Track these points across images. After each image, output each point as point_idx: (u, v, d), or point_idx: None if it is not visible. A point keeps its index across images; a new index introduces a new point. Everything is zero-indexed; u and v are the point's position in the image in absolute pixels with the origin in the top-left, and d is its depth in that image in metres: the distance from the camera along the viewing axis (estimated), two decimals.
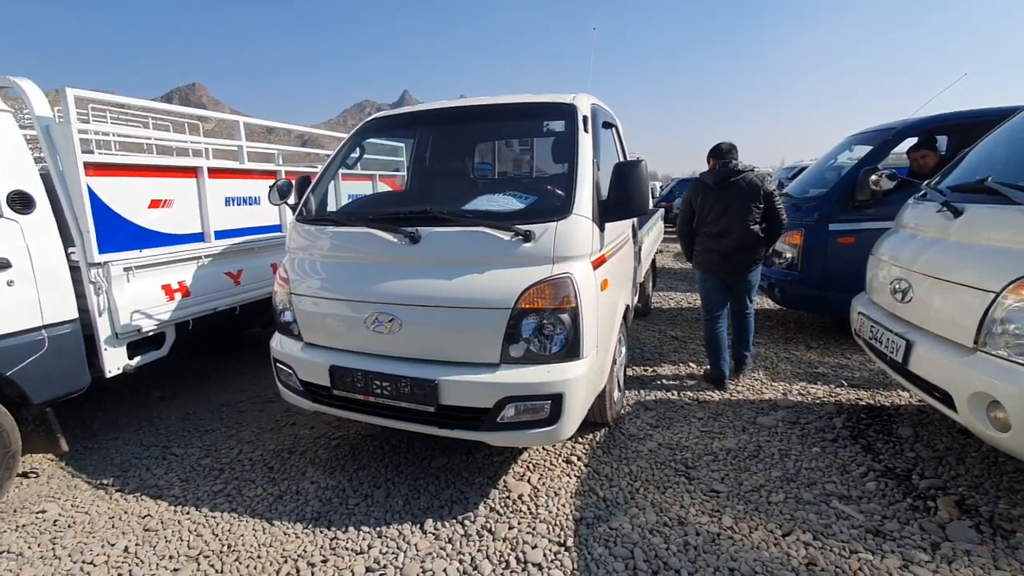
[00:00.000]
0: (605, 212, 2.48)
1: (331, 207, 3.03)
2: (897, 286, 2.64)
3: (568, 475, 2.64)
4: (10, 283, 2.36)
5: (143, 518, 2.37)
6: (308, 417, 3.36)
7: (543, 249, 2.22)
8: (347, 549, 2.15)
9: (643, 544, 2.12)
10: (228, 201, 3.47)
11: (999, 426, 1.95)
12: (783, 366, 4.10)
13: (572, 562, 2.03)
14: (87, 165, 2.61)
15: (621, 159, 3.34)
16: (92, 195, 2.64)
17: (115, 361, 2.83)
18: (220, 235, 3.40)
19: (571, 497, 2.46)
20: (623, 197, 2.39)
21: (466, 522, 2.29)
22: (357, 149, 3.16)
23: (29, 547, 2.19)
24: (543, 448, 2.86)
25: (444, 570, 2.01)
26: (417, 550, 2.13)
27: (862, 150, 4.97)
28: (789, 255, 4.52)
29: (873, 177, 3.45)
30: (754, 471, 2.64)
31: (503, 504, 2.41)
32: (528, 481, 2.59)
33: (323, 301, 2.49)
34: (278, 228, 3.95)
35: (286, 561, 2.09)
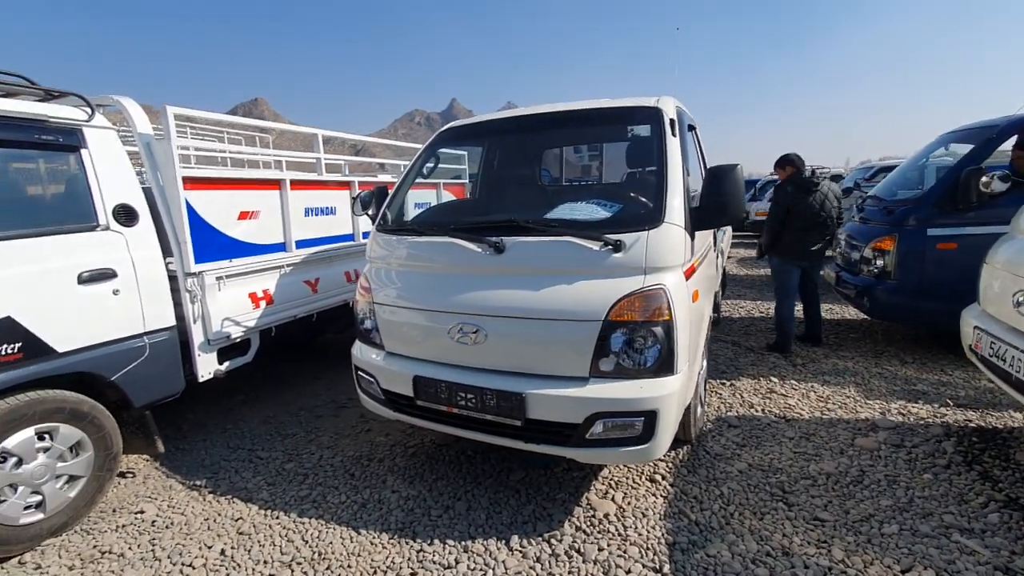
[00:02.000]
0: (697, 219, 2.36)
1: (408, 216, 3.05)
2: (1021, 298, 2.38)
3: (654, 495, 2.52)
4: (116, 292, 2.49)
5: (236, 521, 2.44)
6: (382, 424, 3.39)
7: (634, 259, 2.13)
8: (435, 563, 2.12)
9: (746, 575, 1.98)
10: (307, 212, 3.57)
11: None
12: (876, 382, 3.81)
13: None
14: (185, 179, 2.73)
15: (702, 163, 3.20)
16: (189, 208, 2.76)
17: (207, 366, 2.94)
18: (300, 245, 3.50)
19: (661, 519, 2.34)
20: (718, 203, 2.27)
21: (553, 541, 2.22)
22: (432, 159, 3.18)
23: (130, 548, 2.28)
24: (625, 465, 2.75)
25: None
26: (506, 568, 2.07)
27: (958, 149, 4.59)
28: (880, 262, 4.21)
29: (984, 178, 3.15)
30: (860, 498, 2.43)
31: (589, 523, 2.32)
32: (612, 499, 2.49)
33: (406, 311, 2.49)
34: (351, 238, 4.03)
35: (375, 572, 2.09)
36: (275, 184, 3.35)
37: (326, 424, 3.46)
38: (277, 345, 3.76)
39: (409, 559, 2.15)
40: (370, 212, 2.92)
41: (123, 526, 2.43)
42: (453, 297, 2.34)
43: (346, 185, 3.96)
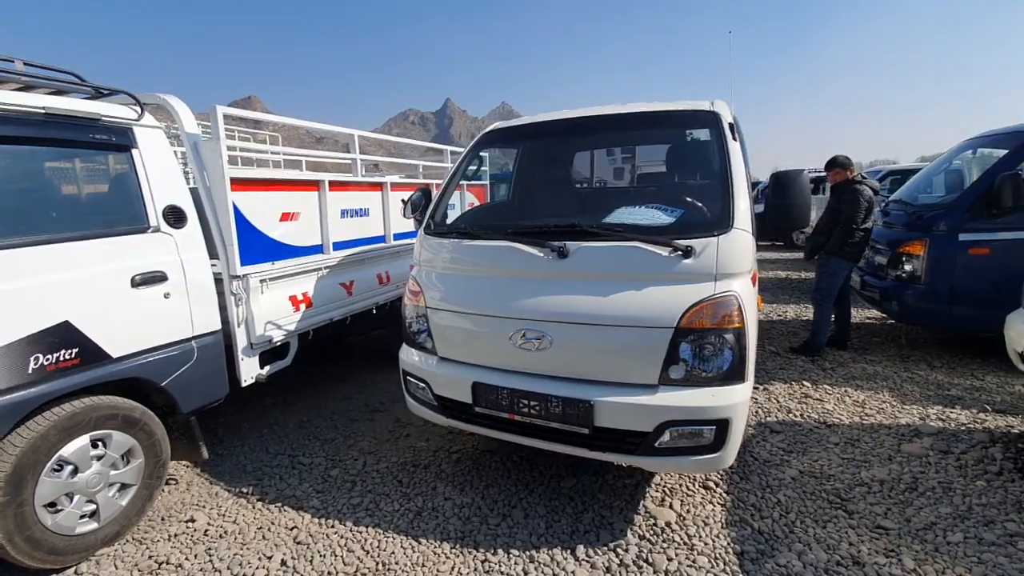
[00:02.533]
0: (763, 225, 2.34)
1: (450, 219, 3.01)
2: None
3: (711, 503, 2.50)
4: (167, 295, 2.44)
5: (290, 530, 2.39)
6: (420, 428, 3.35)
7: (705, 265, 2.11)
8: (502, 573, 2.09)
9: None
10: (343, 213, 3.52)
11: None
12: (909, 387, 3.82)
13: None
14: (232, 180, 2.68)
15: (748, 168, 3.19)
16: (235, 209, 2.71)
17: (250, 371, 2.89)
18: (336, 247, 3.45)
19: (723, 528, 2.32)
20: (784, 209, 2.25)
21: (619, 550, 2.20)
22: (476, 160, 3.14)
23: (186, 558, 2.23)
24: (675, 473, 2.73)
25: None
26: None
27: (986, 153, 4.62)
28: (909, 267, 4.22)
29: None
30: (919, 506, 2.43)
31: (651, 532, 2.30)
32: (671, 507, 2.47)
33: (463, 316, 2.45)
34: (382, 239, 3.99)
35: None
36: (314, 185, 3.30)
37: (363, 428, 3.42)
38: (304, 348, 3.71)
39: (475, 569, 2.12)
40: (416, 215, 2.88)
41: (176, 535, 2.38)
42: (515, 302, 2.31)
43: (379, 187, 3.91)
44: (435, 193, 3.01)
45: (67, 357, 2.08)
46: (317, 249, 3.34)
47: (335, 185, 3.40)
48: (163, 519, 2.51)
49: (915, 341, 4.85)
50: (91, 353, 2.16)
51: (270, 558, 2.21)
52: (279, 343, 3.06)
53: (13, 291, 1.93)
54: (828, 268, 4.45)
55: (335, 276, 3.47)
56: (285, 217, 3.07)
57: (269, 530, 2.39)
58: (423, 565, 2.15)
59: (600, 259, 2.22)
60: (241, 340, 2.82)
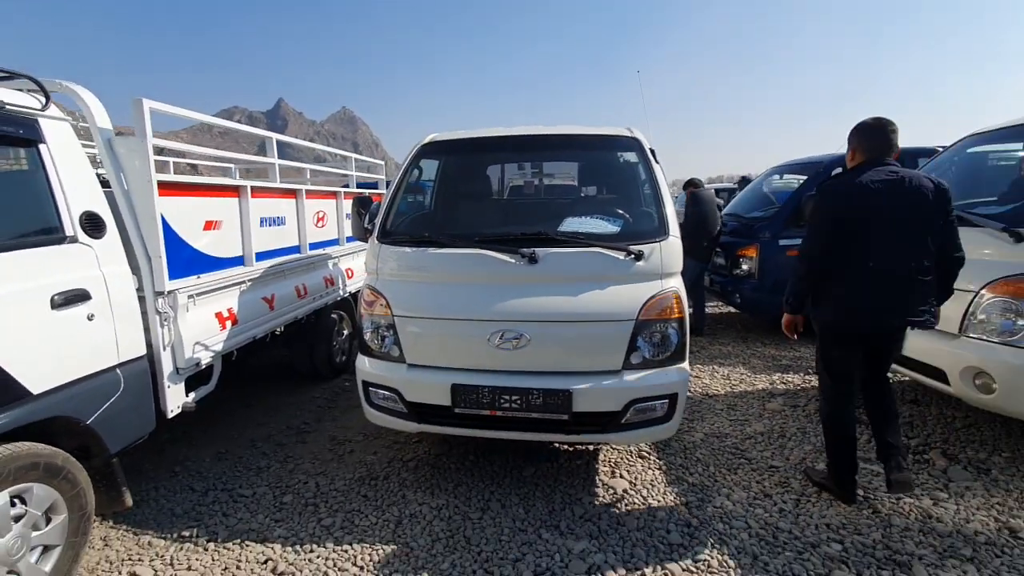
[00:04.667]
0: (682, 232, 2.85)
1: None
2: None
3: (650, 469, 2.94)
4: (90, 317, 2.08)
5: (264, 563, 2.21)
6: (363, 443, 3.27)
7: (653, 267, 2.52)
8: (504, 559, 2.23)
9: (750, 516, 2.49)
10: (263, 222, 3.27)
11: (984, 390, 2.65)
12: (755, 361, 4.82)
13: (707, 537, 2.34)
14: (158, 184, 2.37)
15: None
16: (161, 217, 2.40)
17: (176, 399, 2.55)
18: (258, 258, 3.19)
19: (667, 486, 2.76)
20: (700, 216, 2.78)
21: (594, 520, 2.48)
22: (416, 170, 3.21)
23: None
24: (614, 449, 3.12)
25: (606, 561, 2.19)
26: (569, 551, 2.27)
27: (788, 178, 6.01)
28: (746, 266, 5.31)
29: None
30: (791, 447, 3.16)
31: (614, 499, 2.64)
32: (622, 477, 2.84)
33: (439, 322, 2.53)
34: (297, 250, 3.76)
35: None
36: (235, 191, 3.02)
37: (297, 451, 3.21)
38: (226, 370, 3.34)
39: (476, 560, 2.22)
40: (368, 225, 2.86)
41: None
42: (492, 306, 2.47)
43: (294, 194, 3.69)
44: (377, 203, 3.00)
45: None
46: (239, 261, 3.06)
47: (256, 191, 3.15)
48: None
49: (748, 325, 6.07)
50: (9, 390, 1.77)
51: None
52: (205, 366, 2.75)
53: None
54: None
55: (257, 290, 3.20)
56: (208, 226, 2.77)
57: (238, 567, 2.18)
58: (424, 568, 2.18)
59: (567, 263, 2.50)
60: (167, 365, 2.48)
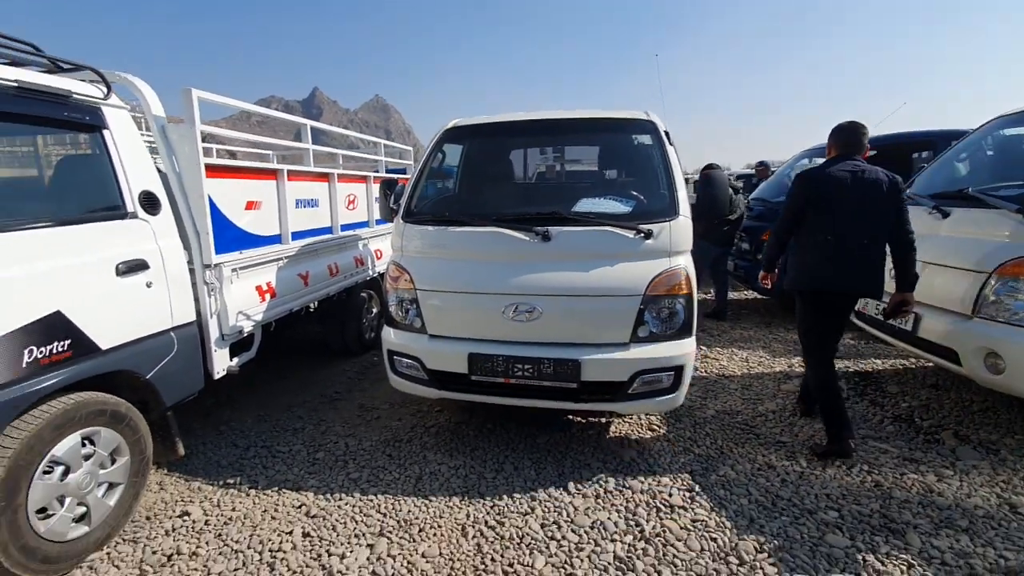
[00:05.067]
0: (693, 212, 2.93)
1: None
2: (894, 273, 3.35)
3: (658, 440, 3.07)
4: (149, 284, 2.34)
5: (299, 507, 2.46)
6: (388, 411, 3.50)
7: (662, 245, 2.63)
8: (513, 512, 2.41)
9: (752, 485, 2.59)
10: (298, 203, 3.51)
11: (995, 371, 2.66)
12: (776, 345, 4.84)
13: (707, 501, 2.46)
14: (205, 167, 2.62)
15: None
16: (208, 196, 2.64)
17: (221, 363, 2.82)
18: (294, 237, 3.44)
19: (673, 456, 2.88)
20: (712, 198, 2.87)
21: (600, 482, 2.64)
22: (439, 154, 3.37)
23: (197, 547, 2.21)
24: (625, 421, 3.26)
25: (609, 518, 2.35)
26: (574, 507, 2.44)
27: (817, 161, 5.91)
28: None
29: None
30: (801, 425, 3.23)
31: (621, 466, 2.78)
32: (630, 447, 2.98)
33: (458, 296, 2.71)
34: (329, 231, 4.00)
35: (463, 528, 2.32)
36: (273, 174, 3.26)
37: (329, 416, 3.47)
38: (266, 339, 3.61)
39: (488, 513, 2.41)
40: (392, 204, 3.05)
41: (173, 530, 2.32)
42: (507, 281, 2.63)
43: (326, 177, 3.92)
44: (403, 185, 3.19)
45: (60, 349, 1.96)
46: (276, 239, 3.31)
47: (292, 175, 3.39)
48: (148, 519, 2.41)
49: (772, 311, 6.05)
50: (82, 345, 2.04)
51: (290, 533, 2.28)
52: (247, 334, 3.01)
53: (6, 278, 1.80)
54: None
55: (293, 266, 3.45)
56: (250, 206, 3.02)
57: (276, 511, 2.44)
58: (441, 516, 2.39)
59: (579, 241, 2.64)
60: (214, 331, 2.75)
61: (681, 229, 2.68)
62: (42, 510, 1.94)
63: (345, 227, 4.18)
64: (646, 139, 3.11)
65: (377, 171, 5.13)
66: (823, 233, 2.70)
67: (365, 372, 4.34)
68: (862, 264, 2.69)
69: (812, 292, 2.82)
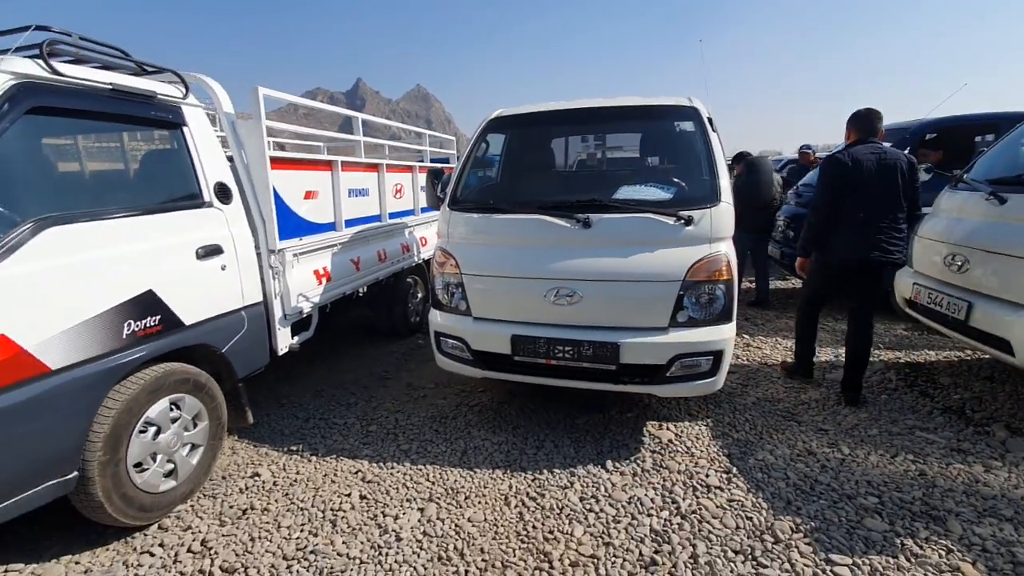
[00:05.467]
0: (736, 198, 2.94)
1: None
2: (951, 260, 3.25)
3: (697, 424, 3.12)
4: (223, 267, 2.58)
5: (355, 473, 2.67)
6: (434, 390, 3.69)
7: (702, 231, 2.66)
8: (553, 485, 2.54)
9: (790, 469, 2.62)
10: (350, 192, 3.71)
11: None
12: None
13: (744, 483, 2.52)
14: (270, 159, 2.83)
15: None
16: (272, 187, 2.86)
17: (284, 340, 3.06)
18: (347, 224, 3.65)
19: (711, 440, 2.94)
20: (755, 185, 2.87)
21: (638, 462, 2.73)
22: (483, 144, 3.49)
23: (268, 504, 2.45)
24: (663, 404, 3.32)
25: (645, 494, 2.45)
26: (612, 483, 2.55)
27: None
28: None
29: None
30: (845, 414, 3.20)
31: (659, 447, 2.86)
32: (668, 429, 3.05)
33: (502, 280, 2.83)
34: (378, 218, 4.20)
35: (506, 497, 2.47)
36: (328, 165, 3.47)
37: (379, 393, 3.69)
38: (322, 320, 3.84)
39: (530, 484, 2.55)
40: (439, 193, 3.20)
41: (246, 488, 2.57)
42: (549, 266, 2.74)
43: (376, 167, 4.11)
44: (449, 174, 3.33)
45: (152, 324, 2.21)
46: (331, 226, 3.52)
47: (345, 166, 3.59)
48: (224, 478, 2.67)
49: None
50: (170, 321, 2.29)
51: (348, 495, 2.49)
52: (306, 315, 3.25)
53: (109, 259, 2.05)
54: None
55: (346, 252, 3.67)
56: (308, 195, 3.24)
57: (336, 475, 2.66)
58: (486, 486, 2.54)
59: (619, 228, 2.70)
60: (277, 311, 2.98)
61: (722, 216, 2.70)
62: (138, 465, 2.21)
63: (393, 215, 4.37)
64: (688, 125, 3.12)
65: (422, 160, 5.31)
66: (856, 211, 3.02)
67: (411, 353, 4.55)
68: (887, 239, 3.03)
69: (840, 263, 3.18)
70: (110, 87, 2.19)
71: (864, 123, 3.19)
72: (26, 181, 1.98)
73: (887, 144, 3.21)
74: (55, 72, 1.96)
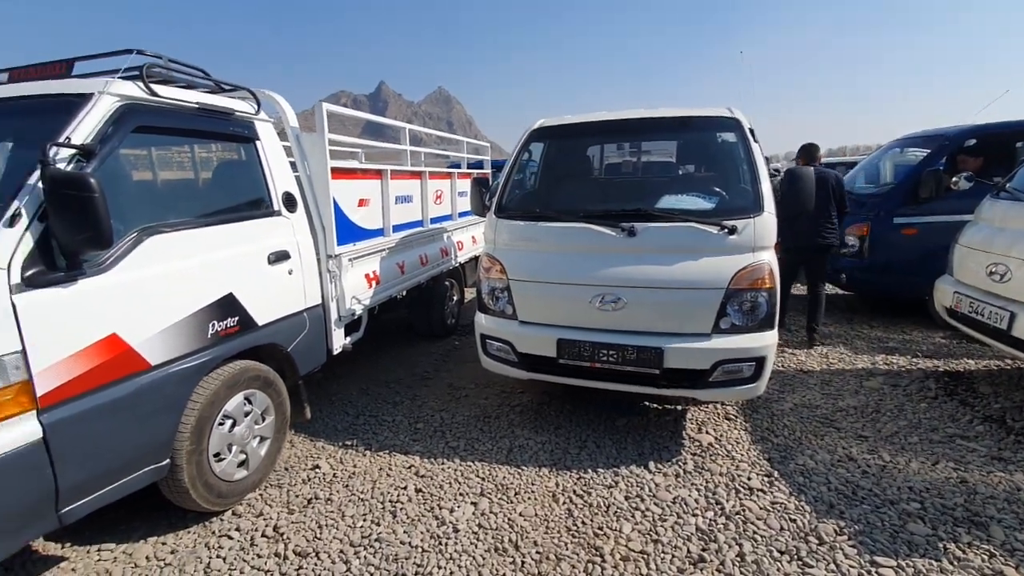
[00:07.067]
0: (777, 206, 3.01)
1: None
2: (994, 269, 3.25)
3: (736, 429, 3.19)
4: (290, 272, 2.76)
5: (409, 468, 2.82)
6: (475, 390, 3.83)
7: (745, 240, 2.74)
8: (598, 484, 2.65)
9: (831, 474, 2.68)
10: (397, 199, 3.88)
11: None
12: (858, 342, 4.74)
13: (786, 486, 2.59)
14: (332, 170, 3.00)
15: None
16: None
17: (339, 341, 3.24)
18: (394, 230, 3.81)
19: (751, 444, 3.01)
20: (796, 193, 2.93)
21: (680, 464, 2.82)
22: (527, 152, 3.62)
23: (331, 494, 2.62)
24: (701, 408, 3.40)
25: (689, 495, 2.54)
26: (655, 483, 2.64)
27: (911, 152, 5.65)
28: (854, 244, 5.15)
29: (954, 178, 4.08)
30: (884, 421, 3.24)
31: (699, 450, 2.94)
32: (707, 433, 3.12)
33: (548, 285, 2.95)
34: (420, 223, 4.36)
35: (553, 494, 2.58)
36: (379, 174, 3.64)
37: (423, 392, 3.84)
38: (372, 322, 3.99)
39: (576, 482, 2.66)
40: (486, 200, 3.33)
41: (309, 479, 2.74)
42: (594, 272, 2.84)
43: (419, 175, 4.28)
44: (495, 183, 3.46)
45: (232, 324, 2.39)
46: (380, 232, 3.69)
47: (394, 174, 3.76)
48: (286, 469, 2.85)
49: (855, 307, 5.88)
50: (246, 321, 2.47)
51: (404, 488, 2.64)
52: (357, 316, 3.42)
53: (198, 265, 2.23)
54: None
55: (393, 256, 3.84)
56: (361, 203, 3.41)
57: (391, 469, 2.81)
58: (533, 483, 2.67)
59: (663, 236, 2.80)
60: (333, 313, 3.16)
61: (765, 225, 2.78)
62: (216, 454, 2.39)
63: (433, 220, 4.53)
64: (730, 136, 3.20)
65: (458, 167, 5.47)
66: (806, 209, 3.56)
67: (449, 354, 4.70)
68: (823, 229, 4.37)
69: (796, 248, 4.46)
70: (197, 106, 2.38)
71: (808, 153, 4.70)
72: (130, 193, 2.18)
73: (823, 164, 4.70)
74: (153, 93, 2.15)
